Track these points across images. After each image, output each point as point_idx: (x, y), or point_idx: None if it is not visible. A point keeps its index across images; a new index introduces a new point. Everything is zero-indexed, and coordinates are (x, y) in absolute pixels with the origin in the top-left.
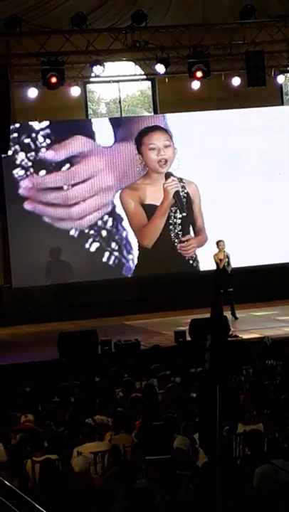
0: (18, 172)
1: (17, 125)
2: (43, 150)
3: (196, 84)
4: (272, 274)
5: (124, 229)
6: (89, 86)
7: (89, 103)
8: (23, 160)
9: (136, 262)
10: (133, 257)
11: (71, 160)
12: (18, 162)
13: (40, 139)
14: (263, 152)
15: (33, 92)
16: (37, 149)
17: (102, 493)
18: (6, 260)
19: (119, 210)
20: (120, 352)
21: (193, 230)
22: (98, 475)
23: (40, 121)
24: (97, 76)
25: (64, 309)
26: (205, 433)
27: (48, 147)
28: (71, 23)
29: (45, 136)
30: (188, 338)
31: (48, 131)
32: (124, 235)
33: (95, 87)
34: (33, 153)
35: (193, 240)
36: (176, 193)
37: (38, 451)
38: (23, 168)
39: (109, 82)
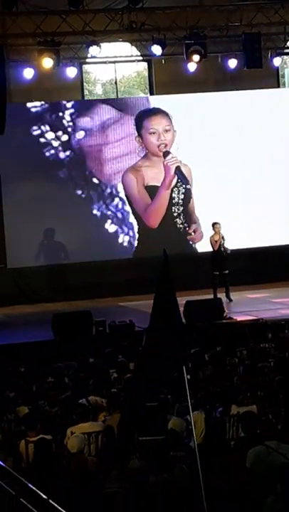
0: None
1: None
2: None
3: (192, 66)
4: (268, 256)
5: (125, 210)
6: (85, 67)
7: (85, 84)
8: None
9: (135, 243)
10: (131, 239)
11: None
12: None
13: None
14: (260, 134)
15: (29, 73)
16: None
17: (95, 474)
18: (1, 241)
19: (121, 191)
20: (114, 333)
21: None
22: (92, 455)
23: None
24: (93, 57)
25: (59, 290)
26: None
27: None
28: (68, 3)
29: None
30: (184, 320)
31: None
32: (124, 216)
33: (91, 67)
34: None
35: (197, 226)
36: (178, 168)
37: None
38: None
39: (105, 63)
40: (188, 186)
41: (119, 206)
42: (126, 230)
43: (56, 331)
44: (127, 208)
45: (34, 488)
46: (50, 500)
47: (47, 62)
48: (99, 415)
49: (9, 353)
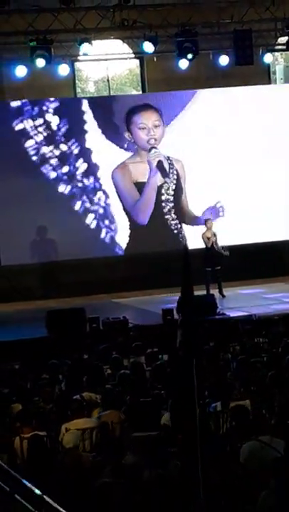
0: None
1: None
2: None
3: (184, 63)
4: (260, 252)
5: (115, 207)
6: (77, 65)
7: (77, 82)
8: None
9: (126, 240)
10: (123, 236)
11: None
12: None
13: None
14: (251, 131)
15: (21, 71)
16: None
17: (90, 470)
18: None
19: (111, 188)
20: (108, 329)
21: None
22: (86, 451)
23: (28, 99)
24: (85, 54)
25: (52, 287)
26: (181, 409)
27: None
28: (59, 1)
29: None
30: (176, 316)
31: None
32: (114, 213)
33: (83, 65)
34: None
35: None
36: (159, 162)
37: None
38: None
39: (97, 60)
40: (166, 179)
41: (110, 202)
42: (117, 226)
43: (50, 328)
44: (118, 204)
45: (29, 484)
46: (45, 496)
47: (40, 62)
48: (93, 411)
49: (3, 350)
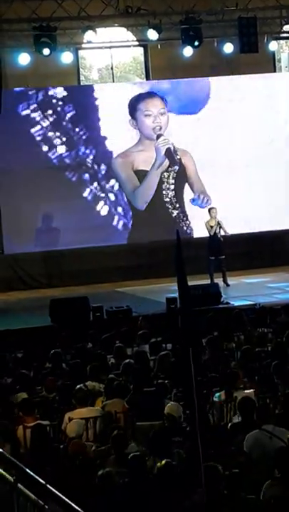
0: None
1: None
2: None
3: (188, 51)
4: (265, 241)
5: (118, 196)
6: (81, 52)
7: (81, 69)
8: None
9: (129, 228)
10: (126, 224)
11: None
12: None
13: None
14: (256, 118)
15: (24, 58)
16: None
17: (93, 459)
18: None
19: (114, 177)
20: (112, 318)
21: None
22: (90, 441)
23: (31, 87)
24: (89, 42)
25: (55, 276)
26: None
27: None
28: None
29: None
30: (180, 305)
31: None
32: (118, 201)
33: (87, 53)
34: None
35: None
36: (168, 149)
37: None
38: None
39: (101, 48)
40: (175, 168)
41: (114, 189)
42: (120, 216)
43: (53, 317)
44: (121, 192)
45: (32, 473)
46: (48, 485)
47: (44, 50)
48: (96, 401)
49: (7, 339)
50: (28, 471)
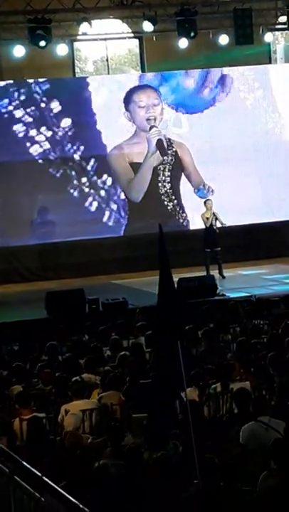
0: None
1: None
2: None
3: (183, 43)
4: (261, 233)
5: (114, 189)
6: (76, 44)
7: (76, 61)
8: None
9: (125, 222)
10: (122, 217)
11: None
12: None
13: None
14: (252, 110)
15: (19, 51)
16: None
17: (89, 451)
18: None
19: (109, 169)
20: (108, 311)
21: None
22: (86, 433)
23: (27, 79)
24: (84, 34)
25: (51, 268)
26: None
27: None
28: None
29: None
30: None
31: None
32: (112, 194)
33: (82, 45)
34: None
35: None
36: (159, 140)
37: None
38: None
39: (96, 40)
40: (165, 158)
41: (108, 183)
42: (115, 207)
43: (49, 309)
44: (116, 185)
45: (28, 465)
46: (44, 478)
47: (39, 42)
48: (92, 393)
49: (3, 332)
50: (25, 463)
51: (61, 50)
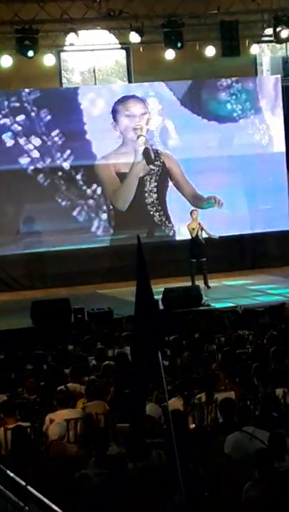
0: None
1: None
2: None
3: (170, 54)
4: (246, 244)
5: (103, 198)
6: (63, 55)
7: (63, 72)
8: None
9: (111, 231)
10: (111, 226)
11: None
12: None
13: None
14: (238, 121)
15: (7, 61)
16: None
17: (74, 460)
18: None
19: (96, 180)
20: (93, 320)
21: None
22: (70, 442)
23: (14, 90)
24: (71, 45)
25: (37, 278)
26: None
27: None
28: None
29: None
30: (162, 307)
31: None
32: (102, 203)
33: (69, 56)
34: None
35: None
36: (145, 149)
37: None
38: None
39: (83, 51)
40: (151, 166)
41: (98, 192)
42: (104, 217)
43: (35, 319)
44: (102, 194)
45: (13, 474)
46: (29, 487)
47: (26, 52)
48: (77, 402)
49: None
50: (9, 472)
51: (48, 60)
